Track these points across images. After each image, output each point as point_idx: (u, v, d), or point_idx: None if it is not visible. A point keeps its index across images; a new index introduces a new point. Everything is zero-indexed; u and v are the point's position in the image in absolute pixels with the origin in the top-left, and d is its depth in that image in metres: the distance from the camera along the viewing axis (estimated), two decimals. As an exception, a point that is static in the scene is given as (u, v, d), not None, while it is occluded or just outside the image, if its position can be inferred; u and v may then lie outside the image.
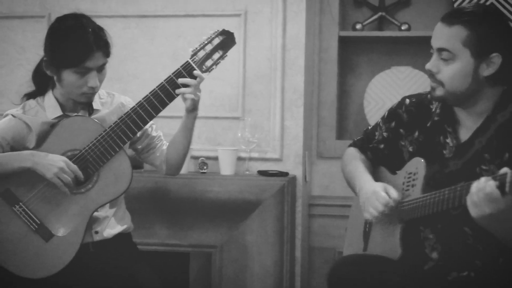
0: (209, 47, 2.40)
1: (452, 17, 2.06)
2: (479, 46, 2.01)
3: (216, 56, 2.41)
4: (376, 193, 2.18)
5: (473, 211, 1.85)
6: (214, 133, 3.57)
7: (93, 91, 2.36)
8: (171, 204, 3.34)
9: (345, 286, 2.15)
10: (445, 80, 2.07)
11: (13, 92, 3.13)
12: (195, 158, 3.50)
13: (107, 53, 2.35)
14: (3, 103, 3.46)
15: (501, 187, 1.80)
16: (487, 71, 2.04)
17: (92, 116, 2.43)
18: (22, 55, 3.63)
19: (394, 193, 2.17)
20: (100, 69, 2.35)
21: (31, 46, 3.59)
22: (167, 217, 3.34)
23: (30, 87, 2.47)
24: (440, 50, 2.06)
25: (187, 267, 3.42)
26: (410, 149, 2.25)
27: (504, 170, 1.82)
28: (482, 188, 1.82)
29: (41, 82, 2.43)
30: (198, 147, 3.51)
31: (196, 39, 2.46)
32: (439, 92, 2.09)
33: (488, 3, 3.57)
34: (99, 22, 2.40)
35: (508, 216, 1.83)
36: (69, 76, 2.31)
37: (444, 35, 2.05)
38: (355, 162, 2.39)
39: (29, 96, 2.45)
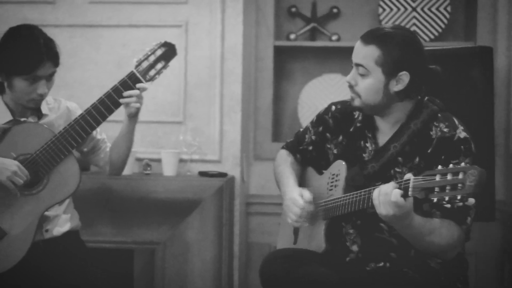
0: (152, 58, 2.46)
1: (368, 37, 2.16)
2: (389, 65, 2.12)
3: (159, 66, 2.47)
4: (293, 199, 2.27)
5: (379, 211, 1.97)
6: (157, 137, 3.61)
7: (41, 97, 2.42)
8: (117, 203, 3.38)
9: (276, 278, 2.22)
10: (361, 92, 2.17)
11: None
12: (140, 160, 3.54)
13: (56, 63, 2.41)
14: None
15: (404, 192, 1.92)
16: (396, 87, 2.14)
17: (41, 121, 2.46)
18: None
19: (307, 196, 2.25)
20: (49, 77, 2.42)
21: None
22: (113, 216, 3.38)
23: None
24: (357, 65, 2.16)
25: (132, 263, 3.44)
26: (335, 151, 2.33)
27: (407, 176, 1.94)
28: (388, 193, 1.93)
29: None
30: (142, 150, 3.55)
31: (140, 48, 2.50)
32: (357, 102, 2.20)
33: (409, 25, 3.73)
34: (46, 31, 2.45)
35: (408, 216, 1.97)
36: (19, 83, 2.38)
37: (361, 53, 2.16)
38: (284, 166, 2.46)
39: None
